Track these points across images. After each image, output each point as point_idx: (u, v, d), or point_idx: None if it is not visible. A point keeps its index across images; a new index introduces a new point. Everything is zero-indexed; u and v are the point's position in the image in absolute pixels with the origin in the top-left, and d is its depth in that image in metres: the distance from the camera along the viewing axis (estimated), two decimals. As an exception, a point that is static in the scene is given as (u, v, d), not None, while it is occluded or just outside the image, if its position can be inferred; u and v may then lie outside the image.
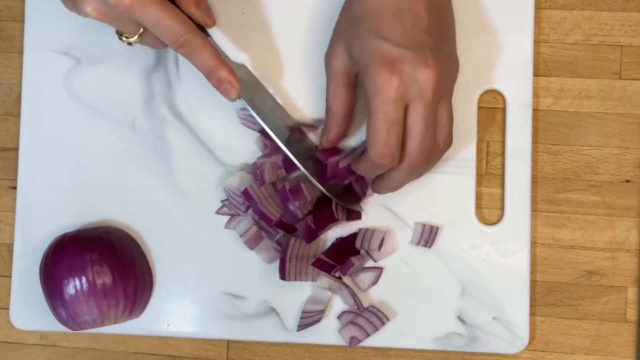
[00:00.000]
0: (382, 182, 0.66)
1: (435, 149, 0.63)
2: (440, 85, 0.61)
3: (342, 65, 0.65)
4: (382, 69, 0.60)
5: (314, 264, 0.68)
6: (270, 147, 0.69)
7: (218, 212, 0.70)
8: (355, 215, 0.69)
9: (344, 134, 0.68)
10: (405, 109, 0.61)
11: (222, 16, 0.71)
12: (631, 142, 0.70)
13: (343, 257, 0.68)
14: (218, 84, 0.64)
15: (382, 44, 0.61)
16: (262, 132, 0.69)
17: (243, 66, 0.69)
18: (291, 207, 0.67)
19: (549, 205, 0.70)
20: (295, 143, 0.68)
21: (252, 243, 0.69)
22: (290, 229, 0.68)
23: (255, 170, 0.69)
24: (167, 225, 0.71)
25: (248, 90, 0.67)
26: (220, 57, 0.64)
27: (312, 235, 0.68)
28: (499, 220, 0.69)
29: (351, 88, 0.66)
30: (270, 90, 0.69)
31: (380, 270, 0.69)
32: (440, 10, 0.64)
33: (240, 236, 0.69)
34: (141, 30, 0.63)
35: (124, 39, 0.64)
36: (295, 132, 0.69)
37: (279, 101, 0.70)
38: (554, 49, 0.71)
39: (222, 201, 0.70)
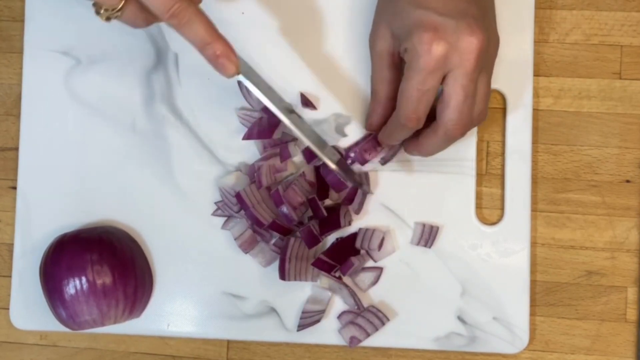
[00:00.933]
0: (416, 146, 0.65)
1: (472, 118, 0.62)
2: (483, 55, 0.60)
3: (385, 45, 0.64)
4: (424, 35, 0.58)
5: (314, 264, 0.68)
6: (269, 149, 0.69)
7: (214, 214, 0.70)
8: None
9: (388, 117, 0.66)
10: (444, 77, 0.60)
11: (222, 16, 0.71)
12: (631, 142, 0.70)
13: (343, 257, 0.68)
14: (214, 58, 0.59)
15: (424, 13, 0.59)
16: (264, 109, 0.68)
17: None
18: (285, 210, 0.67)
19: (549, 205, 0.70)
20: (296, 121, 0.66)
21: (246, 247, 0.69)
22: (285, 231, 0.68)
23: (252, 173, 0.69)
24: (167, 225, 0.71)
25: (244, 68, 0.63)
26: (215, 29, 0.59)
27: (314, 240, 0.67)
28: (499, 220, 0.69)
29: (396, 69, 0.64)
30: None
31: (380, 270, 0.69)
32: None
33: (235, 239, 0.69)
34: (122, 2, 0.58)
35: (102, 12, 0.59)
36: (293, 113, 0.68)
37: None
38: (554, 49, 0.71)
39: (216, 203, 0.70)
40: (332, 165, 0.66)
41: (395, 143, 0.67)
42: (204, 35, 0.59)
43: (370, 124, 0.67)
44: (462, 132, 0.62)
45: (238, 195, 0.68)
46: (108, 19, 0.59)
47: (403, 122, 0.61)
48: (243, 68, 0.62)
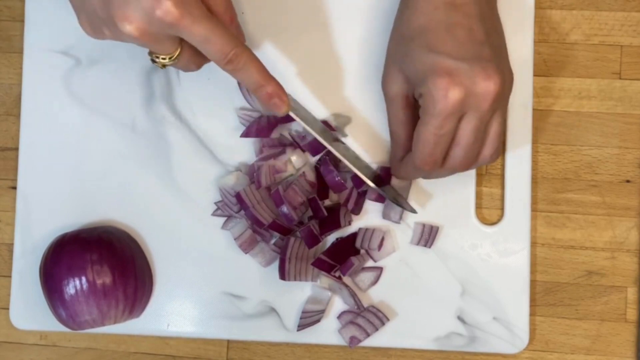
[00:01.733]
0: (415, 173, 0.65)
1: (480, 159, 0.62)
2: (499, 97, 0.59)
3: (398, 88, 0.64)
4: (439, 81, 0.58)
5: (313, 264, 0.68)
6: (266, 149, 0.69)
7: (214, 214, 0.70)
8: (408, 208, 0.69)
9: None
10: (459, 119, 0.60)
11: (222, 16, 0.71)
12: (631, 142, 0.70)
13: (343, 257, 0.68)
14: (268, 99, 0.62)
15: (438, 57, 0.59)
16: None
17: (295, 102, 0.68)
18: (285, 210, 0.67)
19: (549, 205, 0.70)
20: (340, 149, 0.67)
21: (246, 247, 0.69)
22: (285, 231, 0.68)
23: (252, 173, 0.69)
24: (167, 225, 0.71)
25: (293, 105, 0.66)
26: (267, 70, 0.62)
27: (314, 240, 0.67)
28: (499, 220, 0.69)
29: (410, 109, 0.64)
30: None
31: (380, 270, 0.69)
32: (492, 22, 0.62)
33: (235, 239, 0.69)
34: (179, 50, 0.61)
35: (159, 60, 0.61)
36: (338, 141, 0.69)
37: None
38: (554, 49, 0.71)
39: (215, 203, 0.70)
40: (378, 190, 0.67)
41: (410, 179, 0.68)
42: (258, 78, 0.61)
43: (396, 168, 0.67)
44: (466, 169, 0.62)
45: (238, 195, 0.68)
46: (164, 66, 0.61)
47: (419, 165, 0.61)
48: (292, 104, 0.65)
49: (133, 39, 0.58)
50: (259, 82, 0.61)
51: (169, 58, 0.61)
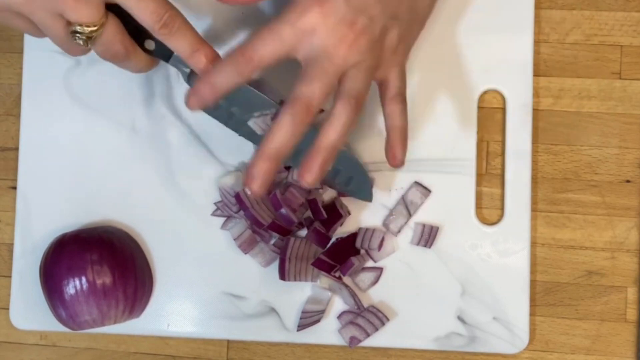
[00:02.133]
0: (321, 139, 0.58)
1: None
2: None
3: None
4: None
5: (313, 264, 0.68)
6: None
7: (213, 214, 0.70)
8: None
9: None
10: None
11: (222, 16, 0.71)
12: (631, 142, 0.70)
13: (343, 257, 0.68)
14: (204, 65, 0.60)
15: None
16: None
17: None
18: (284, 212, 0.67)
19: (549, 205, 0.70)
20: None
21: (246, 247, 0.69)
22: (284, 232, 0.68)
23: None
24: (167, 225, 0.71)
25: None
26: (200, 35, 0.60)
27: (325, 239, 0.68)
28: (499, 220, 0.69)
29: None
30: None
31: (380, 270, 0.69)
32: None
33: (234, 240, 0.69)
34: (103, 20, 0.57)
35: (79, 33, 0.57)
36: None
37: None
38: (554, 49, 0.71)
39: (215, 203, 0.70)
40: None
41: (278, 156, 0.58)
42: (193, 42, 0.59)
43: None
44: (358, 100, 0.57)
45: (237, 196, 0.68)
46: (89, 38, 0.58)
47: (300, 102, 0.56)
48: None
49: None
50: (195, 46, 0.59)
51: (92, 29, 0.57)
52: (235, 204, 0.69)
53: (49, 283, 0.68)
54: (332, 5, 0.56)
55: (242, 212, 0.69)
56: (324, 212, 0.68)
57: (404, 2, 0.59)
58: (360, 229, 0.69)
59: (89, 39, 0.58)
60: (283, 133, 0.56)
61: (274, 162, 0.57)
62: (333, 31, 0.56)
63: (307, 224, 0.69)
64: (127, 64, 0.62)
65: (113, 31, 0.59)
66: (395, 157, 0.61)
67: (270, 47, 0.57)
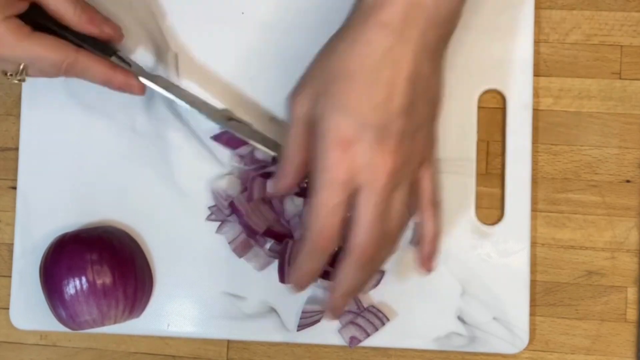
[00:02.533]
0: (332, 286, 0.61)
1: (387, 239, 0.59)
2: (394, 175, 0.56)
3: (306, 112, 0.58)
4: (334, 148, 0.56)
5: None
6: (248, 164, 0.69)
7: (208, 218, 0.70)
8: None
9: (299, 183, 0.62)
10: (356, 195, 0.57)
11: (222, 16, 0.71)
12: (631, 142, 0.70)
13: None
14: (121, 90, 0.66)
15: (343, 120, 0.56)
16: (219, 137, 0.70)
17: (158, 77, 0.69)
18: (288, 219, 0.67)
19: (549, 205, 0.70)
20: (235, 127, 0.68)
21: (240, 251, 0.69)
22: (279, 237, 0.68)
23: (245, 180, 0.68)
24: (167, 225, 0.71)
25: (166, 84, 0.68)
26: (110, 63, 0.65)
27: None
28: (499, 220, 0.69)
29: (312, 138, 0.58)
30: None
31: (382, 273, 0.69)
32: (426, 84, 0.58)
33: (229, 244, 0.69)
34: (22, 65, 0.63)
35: (9, 77, 0.64)
36: (232, 120, 0.69)
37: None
38: (554, 49, 0.71)
39: (209, 207, 0.70)
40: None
41: (305, 283, 0.61)
42: (102, 76, 0.65)
43: (277, 188, 0.62)
44: (372, 255, 0.58)
45: (232, 204, 0.68)
46: (20, 80, 0.64)
47: (314, 243, 0.57)
48: (165, 83, 0.68)
49: None
50: (105, 79, 0.65)
51: (17, 75, 0.63)
52: (227, 207, 0.69)
53: (49, 283, 0.68)
54: (359, 147, 0.56)
55: (234, 217, 0.68)
56: None
57: (420, 97, 0.58)
58: (360, 229, 0.69)
59: (20, 80, 0.64)
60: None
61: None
62: (369, 167, 0.56)
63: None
64: (89, 76, 0.66)
65: (36, 72, 0.64)
66: (430, 269, 0.64)
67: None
